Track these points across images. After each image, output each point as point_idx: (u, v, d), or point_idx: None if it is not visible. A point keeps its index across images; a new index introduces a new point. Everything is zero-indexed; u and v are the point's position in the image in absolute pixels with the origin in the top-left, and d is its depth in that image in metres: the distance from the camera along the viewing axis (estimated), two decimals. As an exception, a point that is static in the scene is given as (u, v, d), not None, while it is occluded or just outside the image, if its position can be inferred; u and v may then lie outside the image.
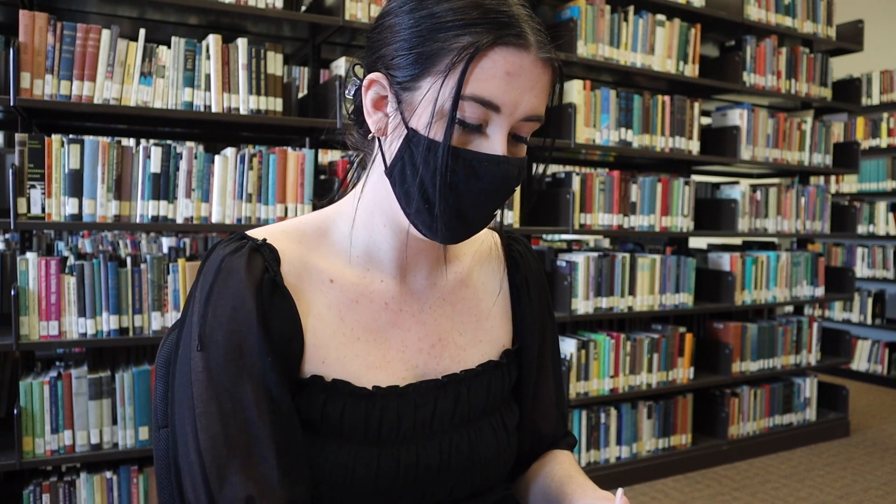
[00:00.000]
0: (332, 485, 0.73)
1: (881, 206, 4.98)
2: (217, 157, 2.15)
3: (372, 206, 0.78)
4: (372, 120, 0.75)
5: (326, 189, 2.41)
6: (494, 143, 0.70)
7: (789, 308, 3.76)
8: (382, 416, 0.75)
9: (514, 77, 0.68)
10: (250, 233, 0.77)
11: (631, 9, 2.87)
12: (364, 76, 0.76)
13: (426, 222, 0.72)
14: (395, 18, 0.72)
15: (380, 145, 0.75)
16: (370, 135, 0.76)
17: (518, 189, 2.70)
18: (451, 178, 0.69)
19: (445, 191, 0.69)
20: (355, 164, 0.85)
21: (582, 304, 2.80)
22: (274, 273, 0.73)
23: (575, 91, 2.75)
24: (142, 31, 2.08)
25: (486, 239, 0.92)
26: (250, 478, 0.68)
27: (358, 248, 0.80)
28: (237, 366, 0.70)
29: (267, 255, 0.74)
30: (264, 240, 0.76)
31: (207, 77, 2.16)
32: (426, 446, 0.77)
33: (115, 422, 2.08)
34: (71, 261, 2.03)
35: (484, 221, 0.74)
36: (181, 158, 2.12)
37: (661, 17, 2.94)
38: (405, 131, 0.71)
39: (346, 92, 0.81)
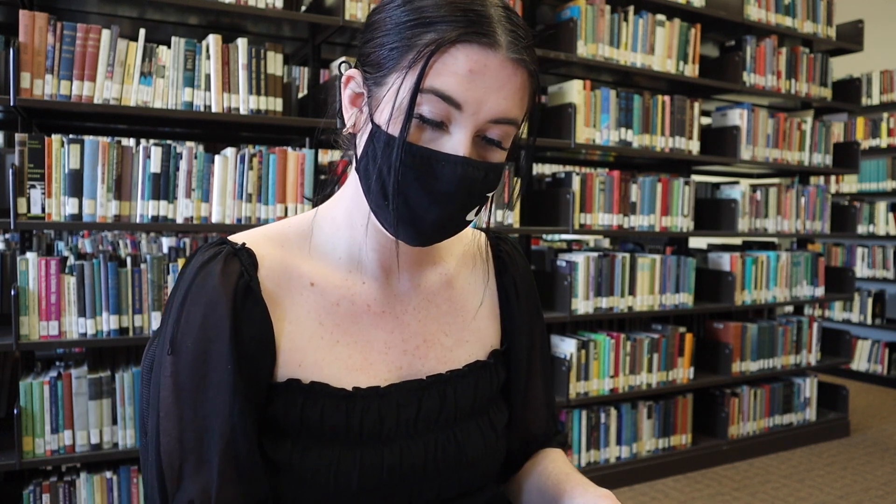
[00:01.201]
0: (316, 487, 0.73)
1: (881, 206, 4.98)
2: (217, 157, 2.15)
3: (352, 205, 0.78)
4: (348, 115, 0.75)
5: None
6: (456, 143, 0.68)
7: (789, 308, 3.76)
8: (363, 416, 0.74)
9: (477, 75, 0.67)
10: (232, 237, 0.77)
11: (631, 9, 2.87)
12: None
13: (387, 219, 0.71)
14: (379, 15, 0.72)
15: (354, 142, 0.75)
16: (345, 130, 0.76)
17: (518, 188, 2.70)
18: (406, 174, 0.68)
19: (398, 187, 0.68)
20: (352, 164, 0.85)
21: (582, 304, 2.80)
22: (249, 278, 0.73)
23: (575, 91, 2.75)
24: (142, 31, 2.08)
25: (474, 239, 0.92)
26: (196, 484, 0.69)
27: (340, 249, 0.79)
28: (202, 372, 0.70)
29: (244, 259, 0.74)
30: (243, 244, 0.75)
31: (207, 77, 2.16)
32: (411, 446, 0.77)
33: (115, 422, 2.08)
34: (71, 261, 2.03)
35: (449, 224, 0.72)
36: (181, 158, 2.12)
37: (661, 17, 2.94)
38: (370, 126, 0.71)
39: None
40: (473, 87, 0.67)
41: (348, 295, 0.78)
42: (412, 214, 0.70)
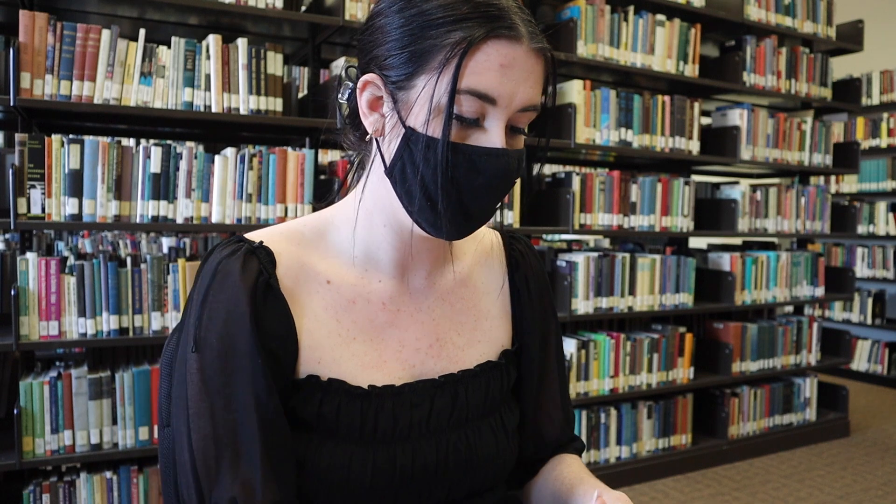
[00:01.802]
0: (328, 485, 0.73)
1: (881, 206, 4.98)
2: (217, 157, 2.15)
3: (372, 206, 0.78)
4: (368, 121, 0.75)
5: (326, 189, 2.41)
6: (493, 137, 0.70)
7: (789, 308, 3.76)
8: (378, 415, 0.75)
9: (507, 69, 0.68)
10: (249, 235, 0.78)
11: (631, 9, 2.87)
12: (357, 78, 0.76)
13: (430, 220, 0.72)
14: (384, 19, 0.72)
15: (378, 146, 0.75)
16: (368, 136, 0.77)
17: (518, 188, 2.70)
18: (452, 173, 0.69)
19: (448, 187, 0.70)
20: (355, 166, 0.85)
21: (582, 304, 2.80)
22: (269, 275, 0.74)
23: (575, 91, 2.75)
24: (142, 31, 2.08)
25: (487, 238, 0.92)
26: (236, 479, 0.69)
27: (357, 248, 0.80)
28: (229, 368, 0.70)
29: (262, 257, 0.74)
30: (261, 242, 0.76)
31: (207, 77, 2.16)
32: (423, 446, 0.77)
33: (115, 422, 2.08)
34: (71, 261, 2.03)
35: (487, 215, 0.74)
36: (181, 158, 2.12)
37: (661, 17, 2.94)
38: (403, 130, 0.71)
39: (339, 96, 0.81)
40: (505, 81, 0.69)
41: (364, 293, 0.79)
42: (459, 210, 0.72)
